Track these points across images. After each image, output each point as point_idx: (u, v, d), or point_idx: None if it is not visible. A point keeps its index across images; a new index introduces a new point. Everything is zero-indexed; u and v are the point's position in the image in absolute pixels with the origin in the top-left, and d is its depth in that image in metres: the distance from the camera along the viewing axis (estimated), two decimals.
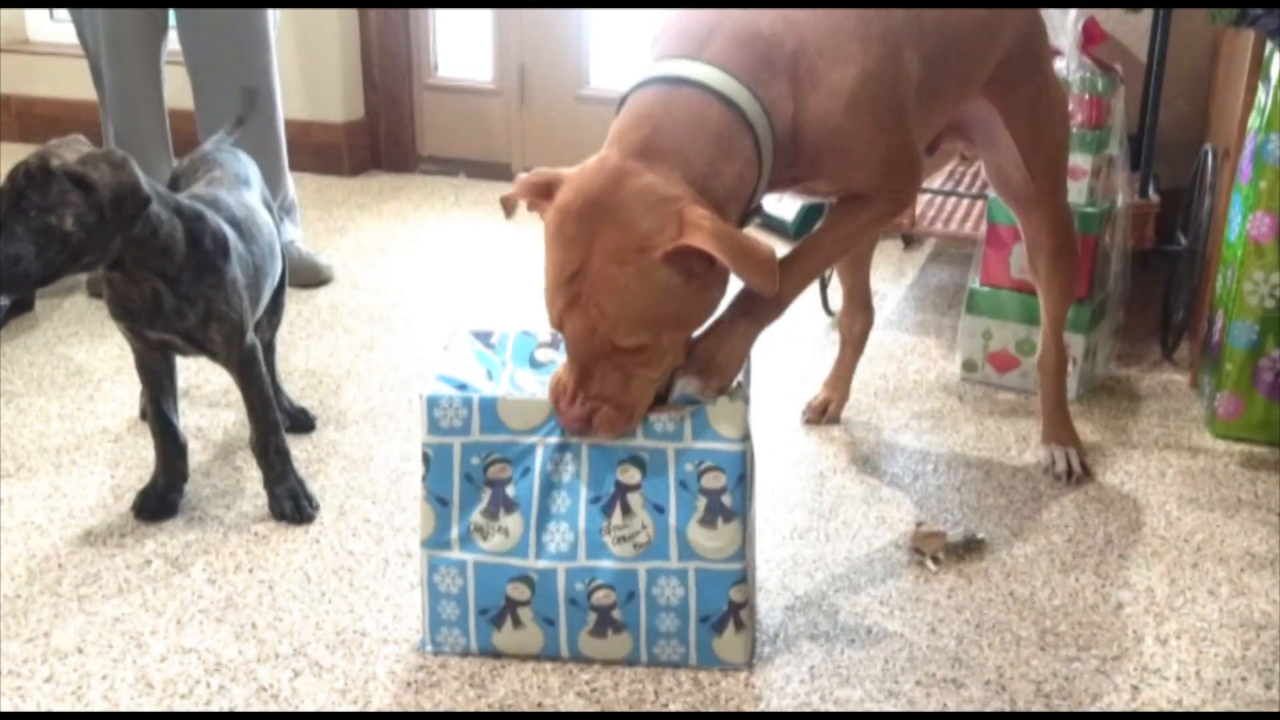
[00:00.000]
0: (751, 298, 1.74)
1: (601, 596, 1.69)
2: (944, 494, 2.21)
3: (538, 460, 1.68)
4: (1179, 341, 2.79)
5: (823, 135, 1.67)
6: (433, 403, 1.69)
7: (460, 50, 4.22)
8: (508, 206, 1.66)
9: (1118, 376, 2.71)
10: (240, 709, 1.64)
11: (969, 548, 2.03)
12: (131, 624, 1.82)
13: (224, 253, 1.97)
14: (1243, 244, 2.34)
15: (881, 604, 1.89)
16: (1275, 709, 1.67)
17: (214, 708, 1.64)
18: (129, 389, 2.54)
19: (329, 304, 3.08)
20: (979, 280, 2.64)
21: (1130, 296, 2.79)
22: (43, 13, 4.50)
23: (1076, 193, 2.53)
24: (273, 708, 1.65)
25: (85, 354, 2.75)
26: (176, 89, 3.09)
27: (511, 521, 1.69)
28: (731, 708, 1.65)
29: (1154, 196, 2.86)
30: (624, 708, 1.65)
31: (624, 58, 3.94)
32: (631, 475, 1.66)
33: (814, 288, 2.91)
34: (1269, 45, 2.30)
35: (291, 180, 3.24)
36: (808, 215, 3.41)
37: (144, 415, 2.33)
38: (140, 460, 2.27)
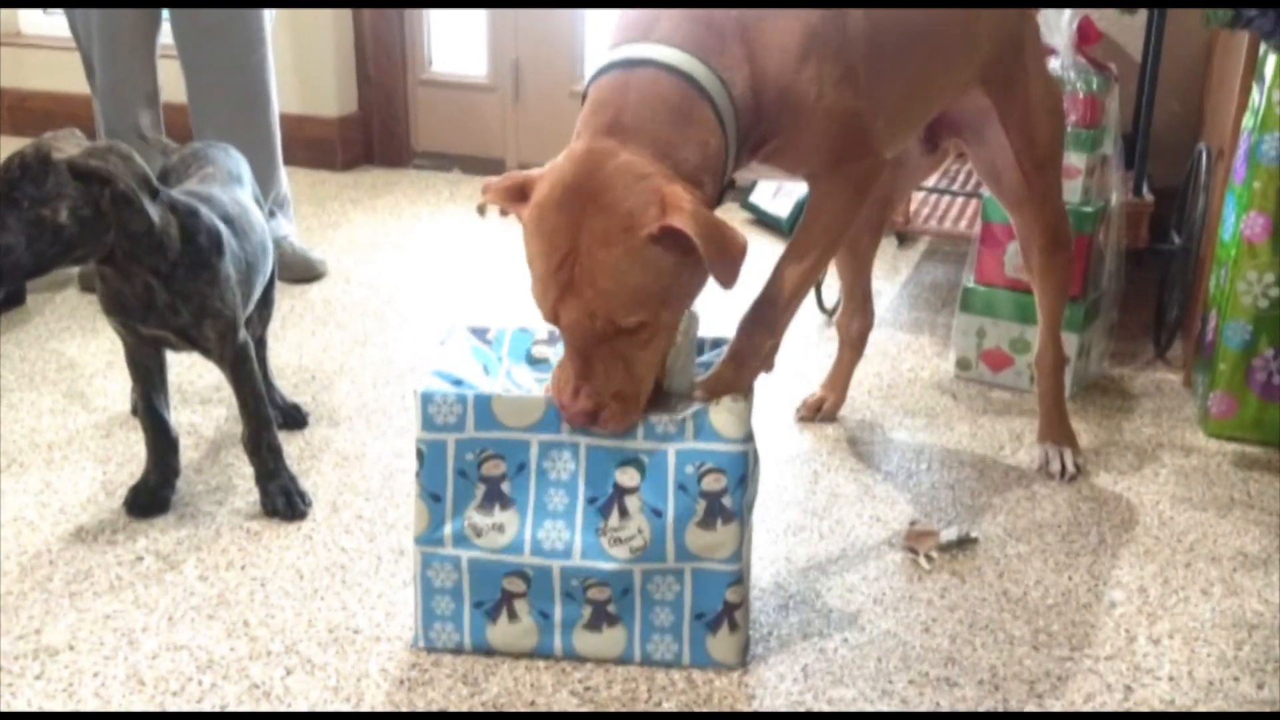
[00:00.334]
0: (756, 316, 1.76)
1: (596, 592, 1.68)
2: (938, 492, 2.21)
3: (533, 457, 1.68)
4: (1172, 340, 2.79)
5: (778, 94, 1.67)
6: (427, 399, 1.68)
7: (454, 45, 4.22)
8: (482, 210, 1.65)
9: (1111, 375, 2.71)
10: (232, 707, 1.64)
11: (962, 546, 2.03)
12: (123, 621, 1.81)
13: (218, 249, 1.96)
14: (1236, 244, 2.34)
15: (875, 603, 1.89)
16: (1267, 709, 1.68)
17: (206, 705, 1.64)
18: (120, 384, 2.54)
19: (322, 299, 3.08)
20: (973, 278, 2.64)
21: (1124, 295, 2.79)
22: None
23: (1071, 191, 2.53)
24: (265, 705, 1.64)
25: (77, 349, 2.75)
26: (170, 82, 3.08)
27: (507, 518, 1.68)
28: (725, 707, 1.65)
29: (1148, 195, 2.86)
30: (617, 706, 1.65)
31: None
32: (631, 477, 1.66)
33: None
34: (1263, 46, 2.31)
35: (285, 175, 3.24)
36: (801, 213, 3.40)
37: (135, 411, 2.33)
38: (132, 456, 2.26)
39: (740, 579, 1.69)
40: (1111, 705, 1.67)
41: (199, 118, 3.05)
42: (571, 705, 1.65)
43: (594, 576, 1.68)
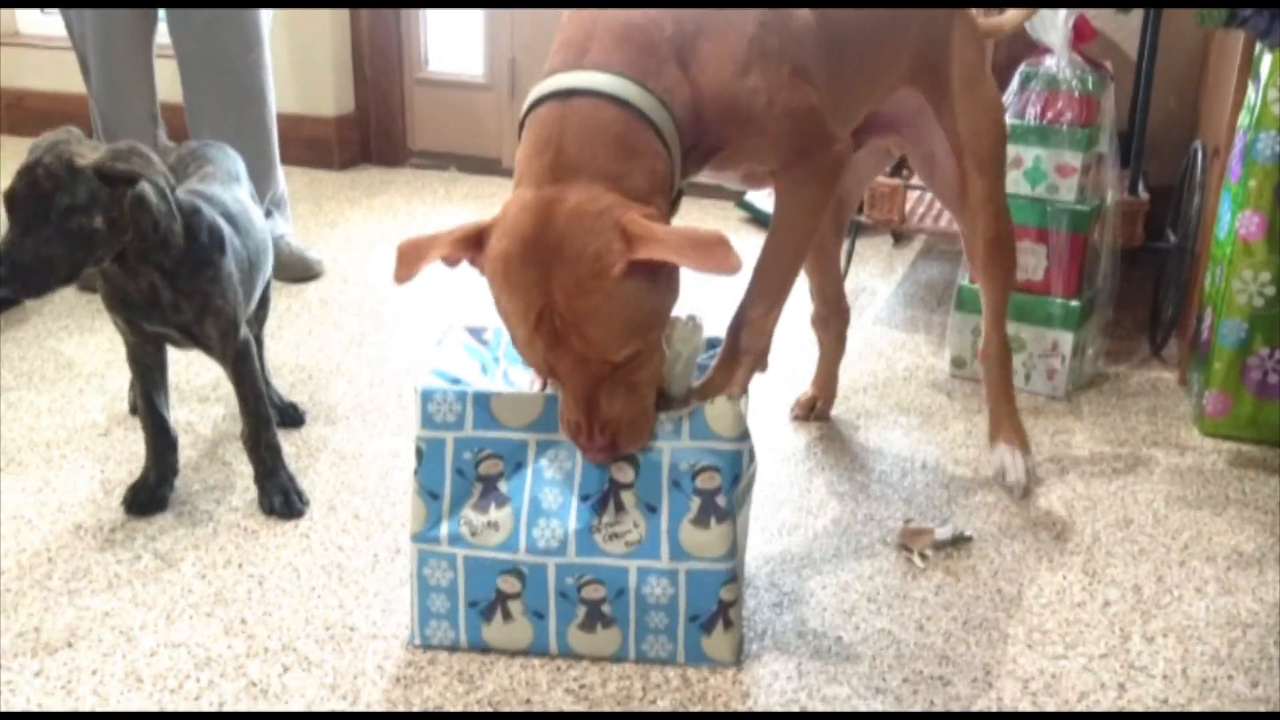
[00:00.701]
0: (744, 318, 1.77)
1: (591, 591, 1.69)
2: (932, 491, 2.21)
3: (530, 456, 1.69)
4: (1168, 339, 2.80)
5: (720, 107, 1.65)
6: (426, 397, 1.69)
7: (451, 44, 4.23)
8: (415, 271, 1.60)
9: (1106, 374, 2.72)
10: (229, 704, 1.65)
11: (957, 545, 2.03)
12: (121, 618, 1.82)
13: (220, 247, 1.97)
14: (1232, 242, 2.34)
15: (869, 601, 1.89)
16: (1261, 707, 1.68)
17: (203, 702, 1.65)
18: (119, 383, 2.54)
19: (319, 299, 3.08)
20: (968, 277, 2.65)
21: (1119, 294, 2.80)
22: None
23: (1067, 190, 2.54)
24: (262, 703, 1.65)
25: (75, 348, 2.75)
26: (167, 82, 3.09)
27: (502, 516, 1.69)
28: (719, 705, 1.66)
29: (1144, 194, 2.86)
30: (612, 704, 1.65)
31: None
32: (625, 473, 1.67)
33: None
34: (1258, 45, 2.31)
35: (282, 174, 3.24)
36: None
37: (134, 409, 2.33)
38: (130, 455, 2.27)
39: (734, 577, 1.69)
40: (1105, 703, 1.68)
41: (194, 117, 3.05)
42: (567, 703, 1.65)
43: (589, 574, 1.68)
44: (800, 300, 2.97)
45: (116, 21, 2.95)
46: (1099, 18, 2.97)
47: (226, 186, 2.13)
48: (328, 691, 1.67)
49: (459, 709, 1.64)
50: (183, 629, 1.80)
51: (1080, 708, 1.67)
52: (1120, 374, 2.72)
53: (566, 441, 1.67)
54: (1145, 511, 2.16)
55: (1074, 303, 2.57)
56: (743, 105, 1.65)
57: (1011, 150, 2.47)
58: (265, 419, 2.08)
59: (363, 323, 2.93)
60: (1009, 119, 2.52)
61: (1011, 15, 2.37)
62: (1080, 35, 2.56)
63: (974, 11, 2.20)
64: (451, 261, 1.59)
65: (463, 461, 1.69)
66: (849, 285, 2.44)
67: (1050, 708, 1.67)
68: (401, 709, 1.64)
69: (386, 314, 2.99)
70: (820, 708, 1.66)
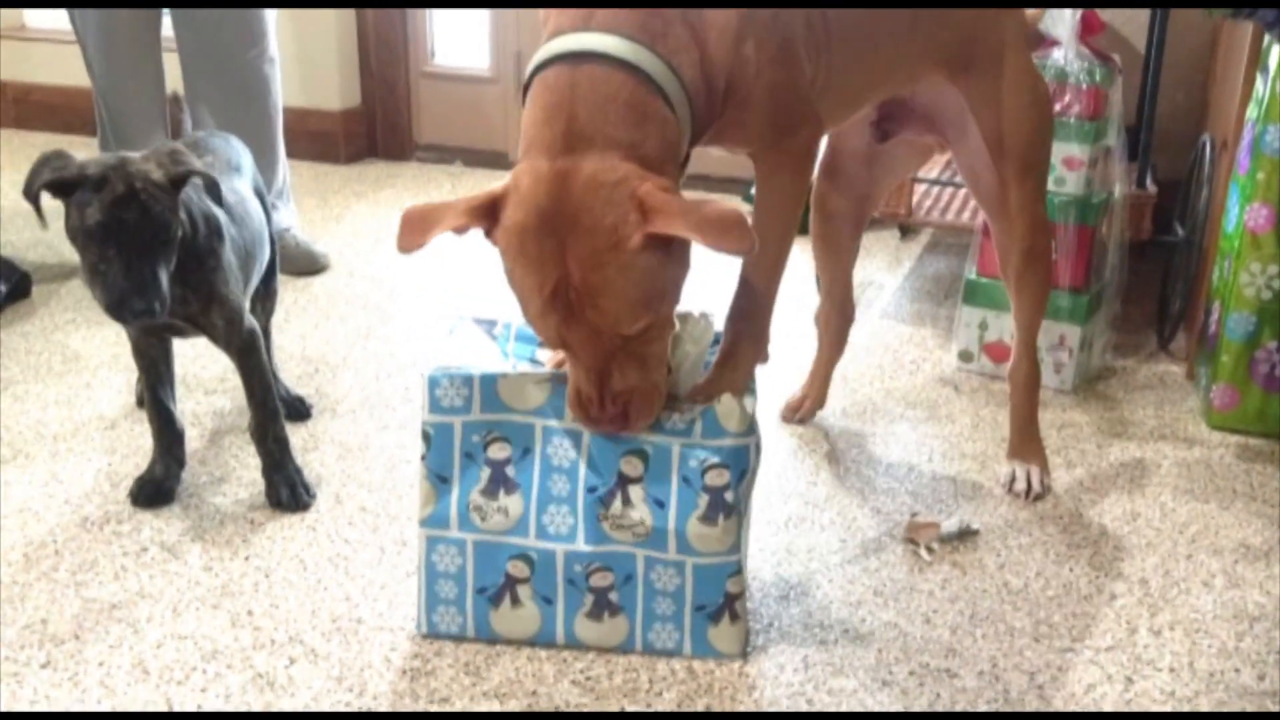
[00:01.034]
0: (739, 313, 1.76)
1: (599, 579, 1.69)
2: (939, 484, 2.21)
3: (537, 441, 1.68)
4: (1175, 332, 2.80)
5: (723, 75, 1.64)
6: (434, 383, 1.69)
7: (457, 38, 4.22)
8: (424, 241, 1.58)
9: (1114, 367, 2.71)
10: (235, 696, 1.65)
11: (963, 538, 2.03)
12: (128, 610, 1.82)
13: (218, 235, 1.98)
14: (1240, 235, 2.34)
15: (875, 594, 1.89)
16: (1269, 701, 1.68)
17: (210, 695, 1.65)
18: (126, 376, 2.55)
19: (325, 292, 3.08)
20: (976, 271, 2.64)
21: (1127, 287, 2.79)
22: None
23: (1074, 183, 2.53)
24: (268, 695, 1.65)
25: (82, 341, 2.75)
26: (170, 74, 3.09)
27: (511, 502, 1.69)
28: (725, 697, 1.66)
29: (1151, 187, 2.86)
30: (618, 696, 1.65)
31: None
32: (635, 468, 1.66)
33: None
34: (1267, 37, 2.30)
35: (287, 166, 3.24)
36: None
37: (140, 402, 2.33)
38: (137, 447, 2.27)
39: (740, 570, 1.69)
40: (1112, 696, 1.68)
41: (197, 111, 3.05)
42: (573, 695, 1.65)
43: (597, 561, 1.68)
44: (804, 296, 2.98)
45: (118, 18, 2.95)
46: (1107, 11, 2.96)
47: (225, 177, 2.12)
48: (334, 683, 1.67)
49: (465, 700, 1.64)
50: (189, 621, 1.80)
51: (1087, 700, 1.67)
52: (1128, 367, 2.72)
53: (574, 429, 1.67)
54: (1152, 505, 2.16)
55: (1081, 296, 2.56)
56: (737, 73, 1.65)
57: None
58: (273, 411, 2.08)
59: (369, 316, 2.93)
60: None
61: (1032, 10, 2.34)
62: (1088, 28, 2.55)
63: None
64: (461, 230, 1.57)
65: (471, 444, 1.69)
66: (855, 279, 2.42)
67: (1057, 700, 1.67)
68: (408, 700, 1.64)
69: (393, 307, 2.99)
70: (826, 700, 1.66)
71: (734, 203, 3.69)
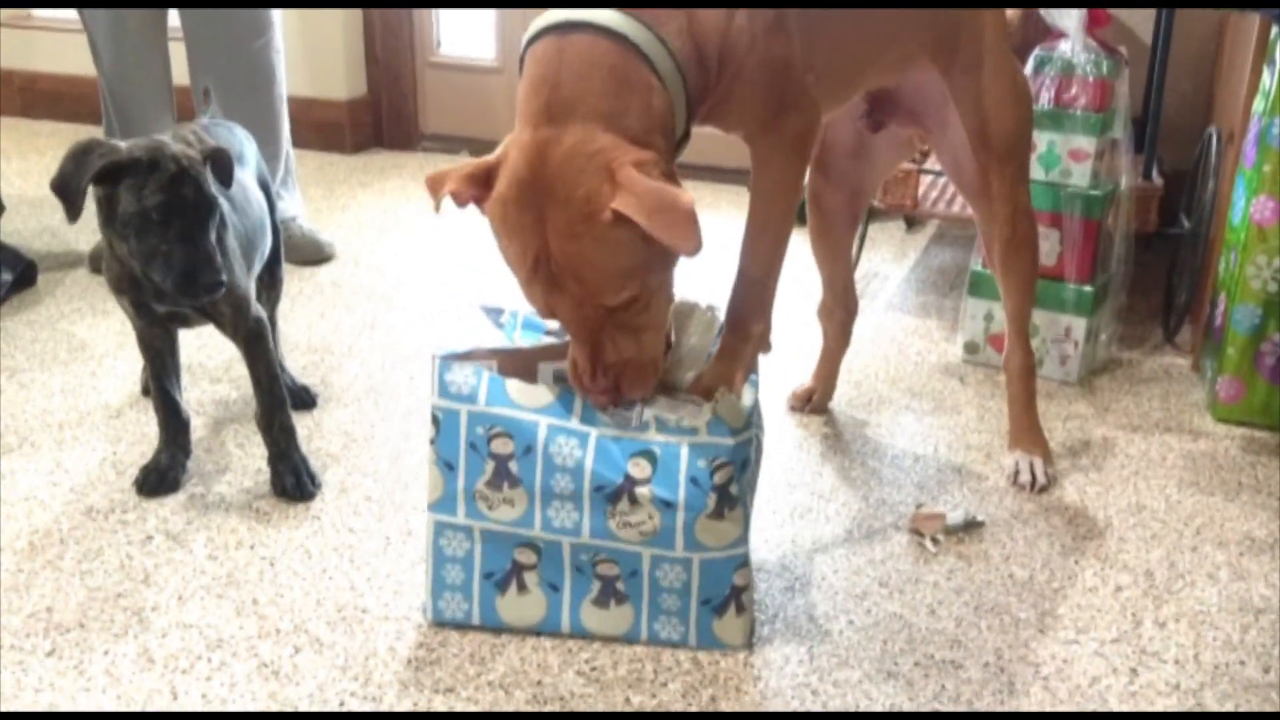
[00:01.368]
0: (738, 304, 1.76)
1: (606, 568, 1.69)
2: (944, 475, 2.21)
3: (540, 440, 1.67)
4: (1181, 324, 2.79)
5: (716, 48, 1.64)
6: (445, 366, 1.69)
7: (463, 28, 4.22)
8: (438, 200, 1.62)
9: (1119, 359, 2.71)
10: (241, 685, 1.65)
11: (969, 529, 2.03)
12: (133, 599, 1.82)
13: (222, 223, 1.97)
14: (1246, 228, 2.33)
15: (881, 585, 1.89)
16: (1273, 693, 1.68)
17: (214, 683, 1.65)
18: (131, 364, 2.55)
19: (330, 281, 3.08)
20: (981, 263, 2.64)
21: (1133, 279, 2.79)
22: None
23: (1081, 175, 2.53)
24: (273, 684, 1.65)
25: (87, 329, 2.76)
26: (180, 64, 3.09)
27: (516, 495, 1.68)
28: (730, 688, 1.66)
29: (1157, 179, 2.85)
30: (623, 686, 1.65)
31: None
32: (642, 469, 1.65)
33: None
34: (1274, 29, 2.30)
35: (293, 156, 3.24)
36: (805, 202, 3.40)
37: (146, 391, 2.34)
38: (142, 436, 2.27)
39: (746, 562, 1.69)
40: (1117, 688, 1.68)
41: (201, 99, 3.05)
42: (578, 685, 1.65)
43: (603, 553, 1.68)
44: (806, 286, 2.98)
45: (127, 10, 2.95)
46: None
47: None
48: (339, 673, 1.68)
49: (470, 690, 1.64)
50: (194, 610, 1.80)
51: (1092, 692, 1.67)
52: (1133, 359, 2.72)
53: (581, 430, 1.66)
54: (1158, 497, 2.15)
55: (1087, 288, 2.56)
56: (730, 45, 1.64)
57: None
58: (280, 400, 2.08)
59: (374, 305, 2.93)
60: None
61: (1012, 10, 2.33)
62: (1095, 21, 2.55)
63: None
64: (461, 200, 1.59)
65: (475, 436, 1.69)
66: (861, 271, 2.42)
67: (1062, 692, 1.67)
68: (413, 690, 1.64)
69: (398, 297, 2.99)
70: (831, 691, 1.66)
71: (741, 193, 3.69)
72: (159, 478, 2.10)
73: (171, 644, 1.73)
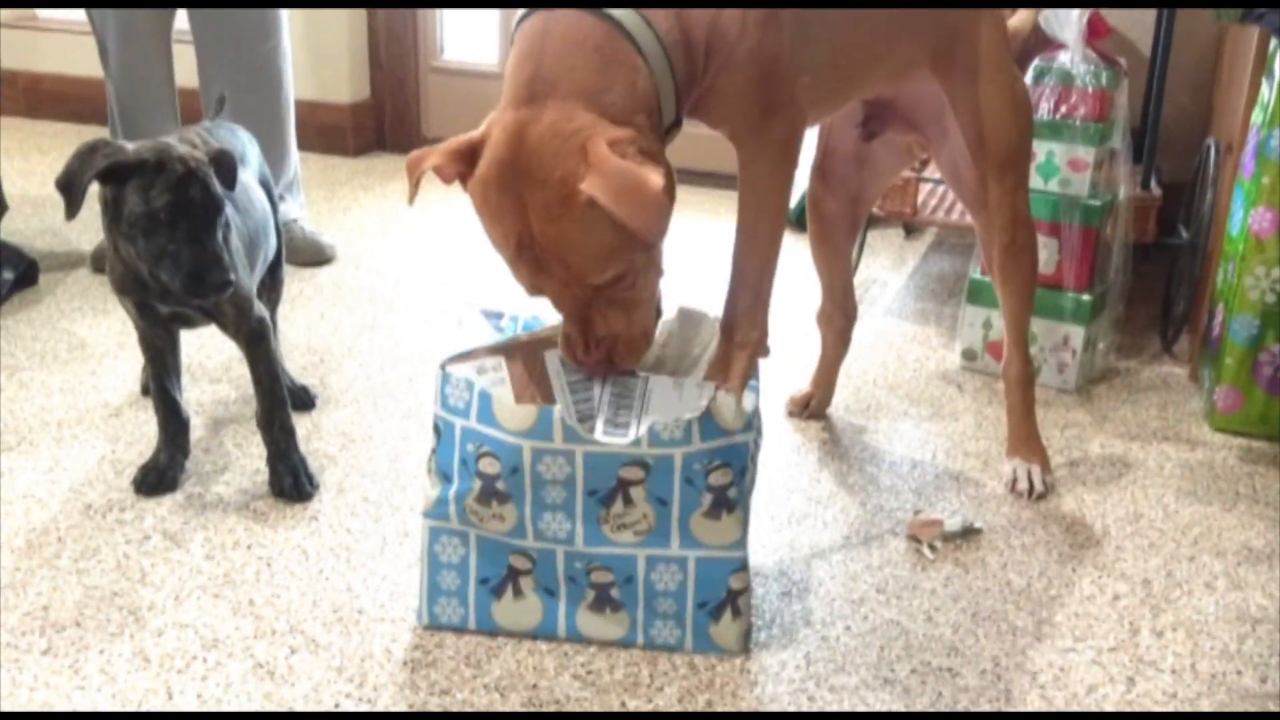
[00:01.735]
0: (733, 310, 1.75)
1: (599, 576, 1.69)
2: (942, 482, 2.21)
3: (525, 462, 1.64)
4: (1179, 334, 2.80)
5: (704, 32, 1.63)
6: (446, 378, 1.68)
7: (466, 32, 4.23)
8: (415, 181, 1.60)
9: (1117, 368, 2.71)
10: (236, 685, 1.65)
11: (966, 536, 2.03)
12: (129, 598, 1.82)
13: (226, 224, 1.97)
14: (1244, 239, 2.34)
15: (878, 591, 1.89)
16: (1270, 703, 1.68)
17: (210, 683, 1.65)
18: (131, 364, 2.55)
19: (331, 283, 3.08)
20: (980, 270, 2.64)
21: (1131, 289, 2.79)
22: None
23: (1079, 185, 2.54)
24: (268, 684, 1.65)
25: (88, 329, 2.76)
26: (185, 67, 3.09)
27: (506, 510, 1.68)
28: (727, 693, 1.66)
29: (1156, 190, 2.86)
30: (619, 690, 1.65)
31: None
32: (635, 474, 1.65)
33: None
34: (1273, 41, 2.31)
35: (298, 159, 3.24)
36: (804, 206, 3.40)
37: (145, 390, 2.34)
38: (141, 435, 2.27)
39: (744, 566, 1.69)
40: (1114, 697, 1.68)
41: (208, 101, 3.06)
42: (574, 688, 1.65)
43: (597, 561, 1.68)
44: (810, 291, 2.98)
45: (138, 12, 2.96)
46: (1113, 14, 2.96)
47: None
48: (334, 674, 1.68)
49: (466, 693, 1.64)
50: (191, 609, 1.80)
51: (1089, 701, 1.67)
52: (1131, 369, 2.72)
53: (566, 450, 1.63)
54: (1155, 506, 2.16)
55: (1085, 297, 2.56)
56: (720, 31, 1.63)
57: None
58: (281, 400, 2.08)
59: (375, 307, 2.94)
60: None
61: (1022, 17, 2.34)
62: (1094, 31, 2.55)
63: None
64: (446, 177, 1.58)
65: (465, 453, 1.68)
66: (860, 277, 2.43)
67: (1059, 700, 1.67)
68: (408, 692, 1.64)
69: (398, 300, 2.99)
70: (828, 697, 1.66)
71: None
72: (157, 477, 2.10)
73: (167, 643, 1.73)
